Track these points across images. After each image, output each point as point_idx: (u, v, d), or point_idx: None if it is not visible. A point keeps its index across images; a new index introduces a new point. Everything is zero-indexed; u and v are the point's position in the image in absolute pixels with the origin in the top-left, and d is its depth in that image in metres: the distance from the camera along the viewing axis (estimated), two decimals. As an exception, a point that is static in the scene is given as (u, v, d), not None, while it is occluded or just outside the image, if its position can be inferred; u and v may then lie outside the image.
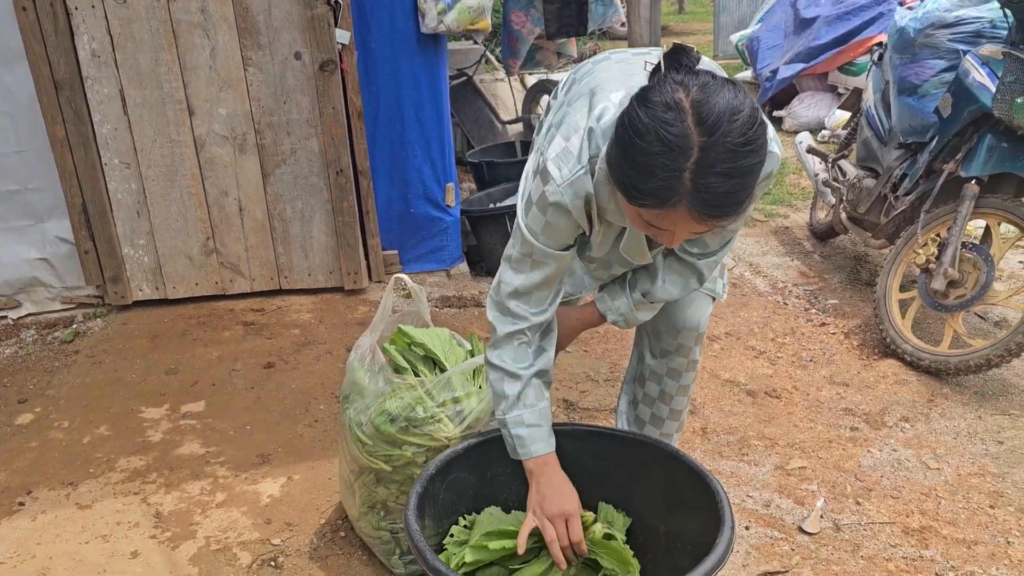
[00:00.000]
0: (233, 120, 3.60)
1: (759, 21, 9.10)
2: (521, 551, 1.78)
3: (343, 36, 3.56)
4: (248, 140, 3.64)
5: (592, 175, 1.58)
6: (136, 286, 3.79)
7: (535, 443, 1.79)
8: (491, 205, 4.42)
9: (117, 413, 3.00)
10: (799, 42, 7.60)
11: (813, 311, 3.86)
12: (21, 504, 2.53)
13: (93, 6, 3.38)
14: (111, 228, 3.66)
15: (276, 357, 3.35)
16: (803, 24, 7.69)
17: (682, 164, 1.29)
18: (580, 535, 1.78)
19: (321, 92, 3.57)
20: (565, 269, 1.77)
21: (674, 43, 1.40)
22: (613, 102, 1.57)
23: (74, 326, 3.69)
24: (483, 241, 4.22)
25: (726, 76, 1.39)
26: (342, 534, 2.34)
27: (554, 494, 1.78)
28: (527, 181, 1.72)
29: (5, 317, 3.73)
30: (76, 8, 3.37)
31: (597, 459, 2.03)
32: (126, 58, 3.47)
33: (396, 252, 4.04)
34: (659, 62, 1.38)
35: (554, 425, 1.90)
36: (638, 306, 1.92)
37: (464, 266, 4.18)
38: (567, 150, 1.59)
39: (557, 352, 1.95)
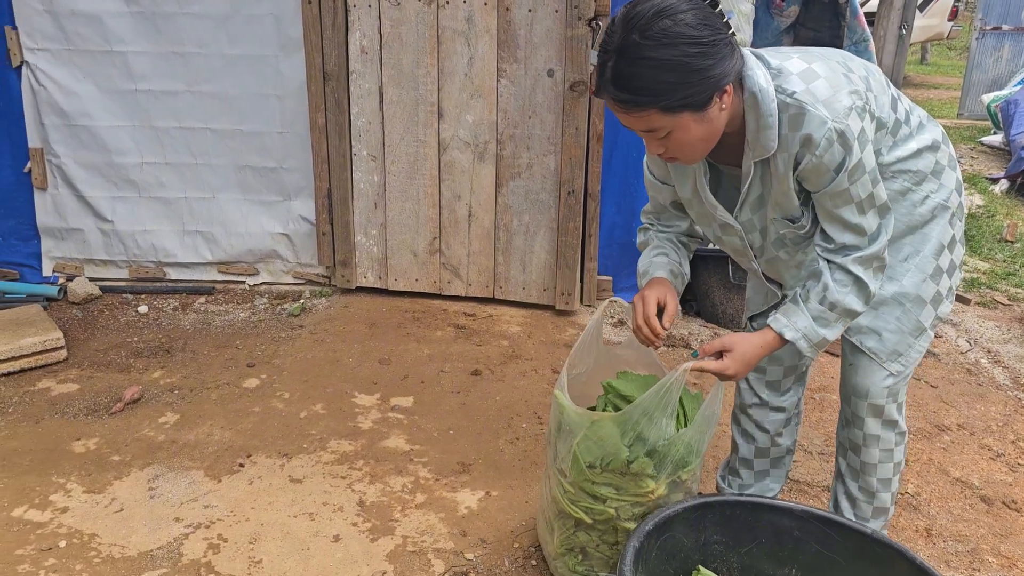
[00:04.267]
0: (478, 128, 3.69)
1: (1020, 83, 8.37)
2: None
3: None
4: (489, 149, 3.71)
5: None
6: (362, 272, 3.96)
7: (659, 269, 2.01)
8: (711, 245, 4.26)
9: (332, 394, 3.13)
10: (1068, 112, 6.89)
11: (1064, 418, 3.44)
12: (241, 465, 2.68)
13: (370, 5, 3.57)
14: (349, 215, 3.84)
15: (483, 365, 3.38)
16: (1076, 93, 6.96)
17: (607, 52, 1.55)
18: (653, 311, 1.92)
19: (567, 111, 3.57)
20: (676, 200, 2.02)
21: None
22: None
23: (301, 301, 3.91)
24: (699, 281, 4.08)
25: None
26: (533, 562, 2.30)
27: (649, 290, 1.95)
28: None
29: (243, 283, 4.01)
30: (354, 6, 3.57)
31: (822, 547, 1.91)
32: (391, 57, 3.63)
33: (611, 278, 3.99)
34: None
35: (778, 501, 1.96)
36: (818, 320, 1.79)
37: (676, 303, 4.05)
38: None
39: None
